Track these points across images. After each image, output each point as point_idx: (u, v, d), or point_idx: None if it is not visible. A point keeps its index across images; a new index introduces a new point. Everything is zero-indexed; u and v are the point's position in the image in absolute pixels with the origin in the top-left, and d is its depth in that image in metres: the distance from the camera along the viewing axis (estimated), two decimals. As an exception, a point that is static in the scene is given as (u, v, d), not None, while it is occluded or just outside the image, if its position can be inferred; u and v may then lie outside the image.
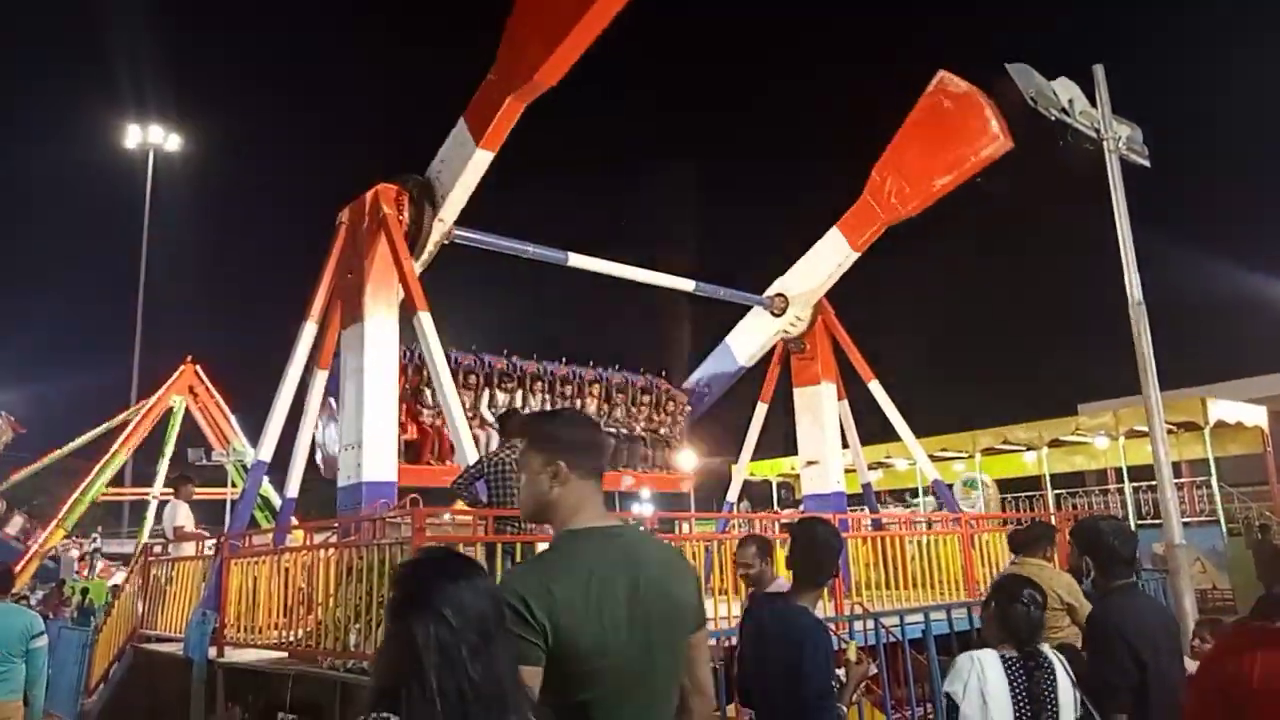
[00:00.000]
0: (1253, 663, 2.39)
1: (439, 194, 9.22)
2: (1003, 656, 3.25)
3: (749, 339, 13.45)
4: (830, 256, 12.66)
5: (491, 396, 11.10)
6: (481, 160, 8.91)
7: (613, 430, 11.70)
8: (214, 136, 51.14)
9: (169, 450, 22.87)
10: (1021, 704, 3.15)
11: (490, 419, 10.63)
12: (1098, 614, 3.63)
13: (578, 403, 11.80)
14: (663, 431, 12.71)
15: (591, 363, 12.49)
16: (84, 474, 21.62)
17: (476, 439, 9.04)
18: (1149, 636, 3.47)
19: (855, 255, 12.42)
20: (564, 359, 12.18)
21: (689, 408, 13.30)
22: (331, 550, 7.46)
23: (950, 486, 13.09)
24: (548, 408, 11.24)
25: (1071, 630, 5.14)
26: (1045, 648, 3.35)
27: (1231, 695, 2.38)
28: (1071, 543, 3.89)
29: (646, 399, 12.61)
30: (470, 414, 10.35)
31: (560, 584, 2.04)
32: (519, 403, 11.19)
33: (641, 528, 4.33)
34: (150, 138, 33.82)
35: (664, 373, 13.23)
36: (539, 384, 11.58)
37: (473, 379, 10.91)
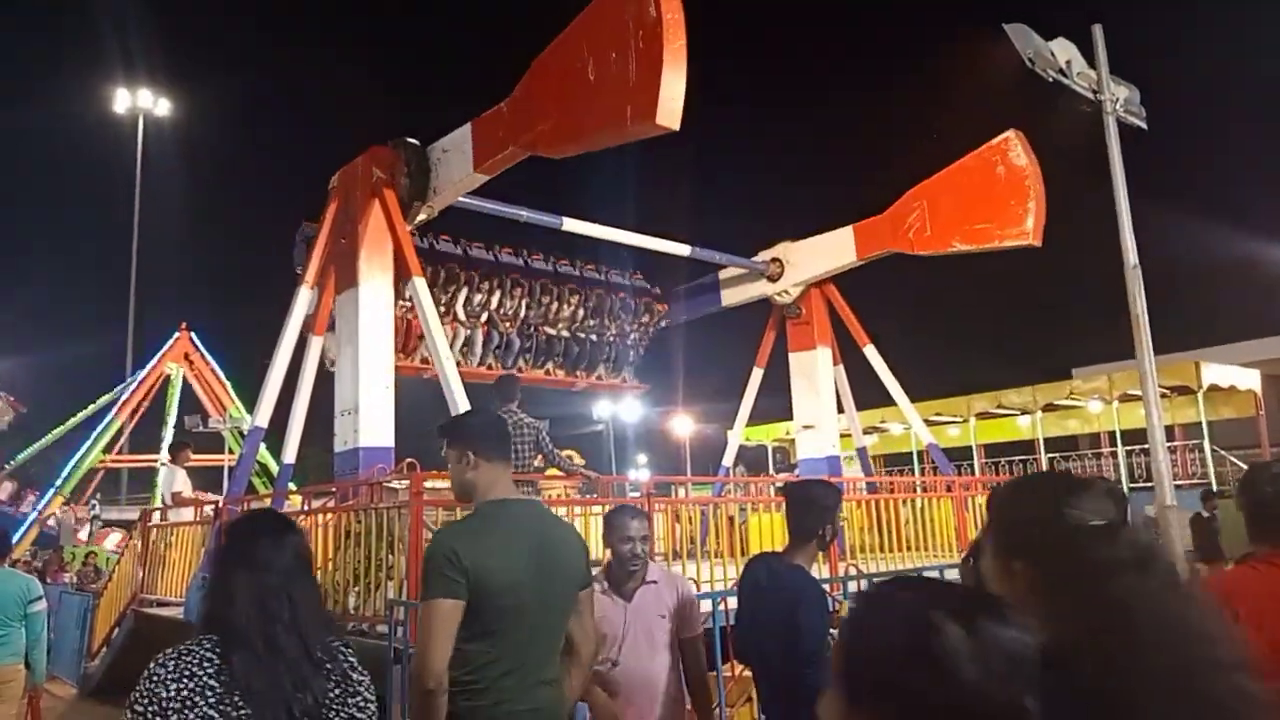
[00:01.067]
0: (1240, 587, 2.45)
1: (431, 188, 9.11)
2: None
3: (738, 287, 13.60)
4: (835, 253, 12.67)
5: (468, 295, 11.17)
6: (476, 180, 8.88)
7: (582, 335, 12.12)
8: (204, 101, 50.57)
9: (171, 418, 22.87)
10: None
11: (463, 318, 10.86)
12: None
13: (555, 306, 12.00)
14: (631, 339, 12.93)
15: (579, 263, 12.52)
16: (80, 441, 21.69)
17: (450, 336, 9.13)
18: None
19: (857, 262, 12.38)
20: (548, 256, 12.21)
21: (663, 322, 13.56)
22: (329, 515, 7.50)
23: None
24: (523, 311, 11.64)
25: None
26: None
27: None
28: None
29: (624, 314, 12.77)
30: (444, 311, 10.51)
31: (480, 539, 2.68)
32: (494, 303, 11.37)
33: (542, 501, 4.78)
34: (139, 102, 33.43)
35: (654, 288, 13.40)
36: (518, 289, 11.68)
37: (454, 269, 10.98)
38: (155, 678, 2.01)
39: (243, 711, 1.96)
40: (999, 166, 10.67)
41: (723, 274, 13.72)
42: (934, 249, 11.45)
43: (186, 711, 1.93)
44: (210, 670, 1.99)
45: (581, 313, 12.35)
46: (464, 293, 11.16)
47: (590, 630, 2.94)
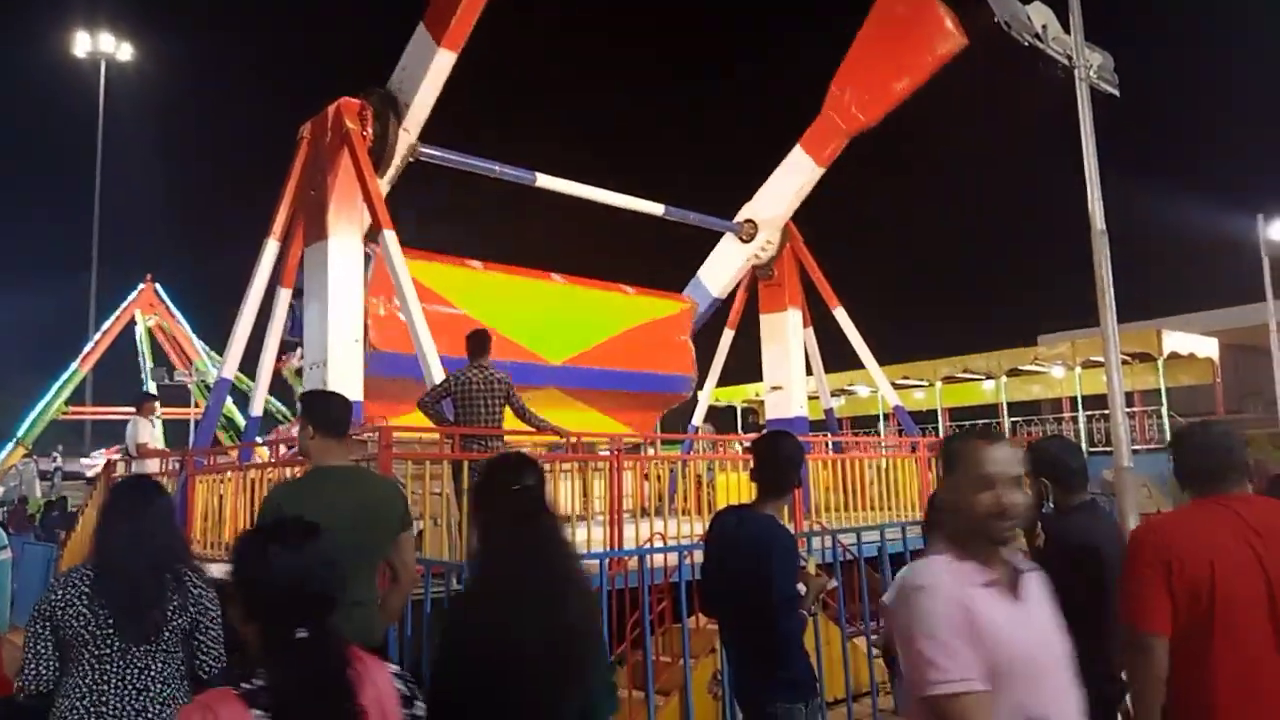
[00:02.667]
0: (1169, 532, 2.78)
1: (402, 104, 9.03)
2: None
3: (721, 270, 13.39)
4: (795, 176, 12.71)
5: None
6: (444, 62, 8.76)
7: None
8: (169, 46, 49.23)
9: (148, 366, 22.50)
10: None
11: None
12: (1056, 532, 3.70)
13: None
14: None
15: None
16: (42, 392, 21.34)
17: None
18: (1106, 556, 3.60)
19: (820, 171, 12.50)
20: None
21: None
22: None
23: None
24: None
25: None
26: None
27: (1159, 553, 2.69)
28: (1026, 470, 3.99)
29: None
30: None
31: (300, 496, 3.42)
32: None
33: (367, 467, 5.37)
34: (100, 46, 32.47)
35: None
36: None
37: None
38: (49, 588, 2.91)
39: (103, 611, 2.81)
40: (898, 7, 11.52)
41: (701, 271, 13.58)
42: (882, 107, 11.97)
43: (67, 608, 2.81)
44: (86, 585, 2.85)
45: None
46: None
47: (409, 564, 3.73)
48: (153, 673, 2.84)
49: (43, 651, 2.80)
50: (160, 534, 3.01)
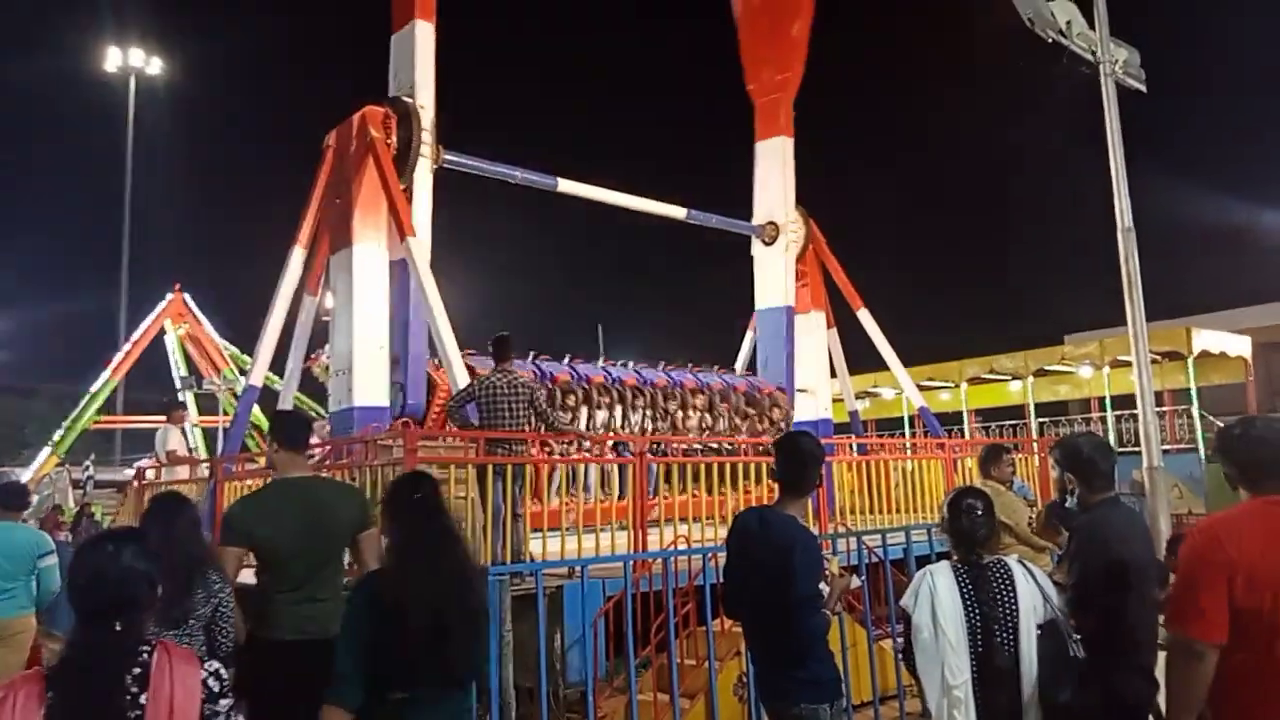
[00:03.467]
0: (1236, 535, 2.58)
1: (415, 108, 9.10)
2: (954, 565, 3.35)
3: (775, 282, 12.94)
4: (775, 163, 12.98)
5: (590, 415, 10.19)
6: (424, 32, 9.10)
7: (715, 446, 9.96)
8: (197, 60, 49.88)
9: (179, 376, 22.78)
10: (972, 610, 3.22)
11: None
12: (1082, 526, 3.69)
13: (679, 415, 10.93)
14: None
15: (690, 365, 11.98)
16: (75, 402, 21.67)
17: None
18: (1130, 549, 3.57)
19: (789, 140, 13.02)
20: (661, 363, 11.66)
21: (792, 413, 12.21)
22: (325, 473, 7.55)
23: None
24: (648, 424, 10.61)
25: (1018, 549, 5.42)
26: (1009, 557, 3.43)
27: (1218, 564, 2.55)
28: (1053, 462, 3.96)
29: (751, 410, 11.68)
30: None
31: (255, 508, 4.00)
32: (618, 420, 10.47)
33: (325, 476, 5.52)
34: (131, 61, 32.98)
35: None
36: (640, 399, 10.75)
37: (571, 399, 9.97)
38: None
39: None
40: None
41: (757, 300, 13.13)
42: (797, 55, 12.86)
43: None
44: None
45: (709, 416, 11.19)
46: (585, 411, 10.12)
47: (369, 562, 3.86)
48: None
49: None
50: (188, 540, 3.55)
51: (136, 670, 2.02)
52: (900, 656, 3.54)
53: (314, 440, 6.04)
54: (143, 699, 1.99)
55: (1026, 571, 3.35)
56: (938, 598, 3.24)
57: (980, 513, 3.39)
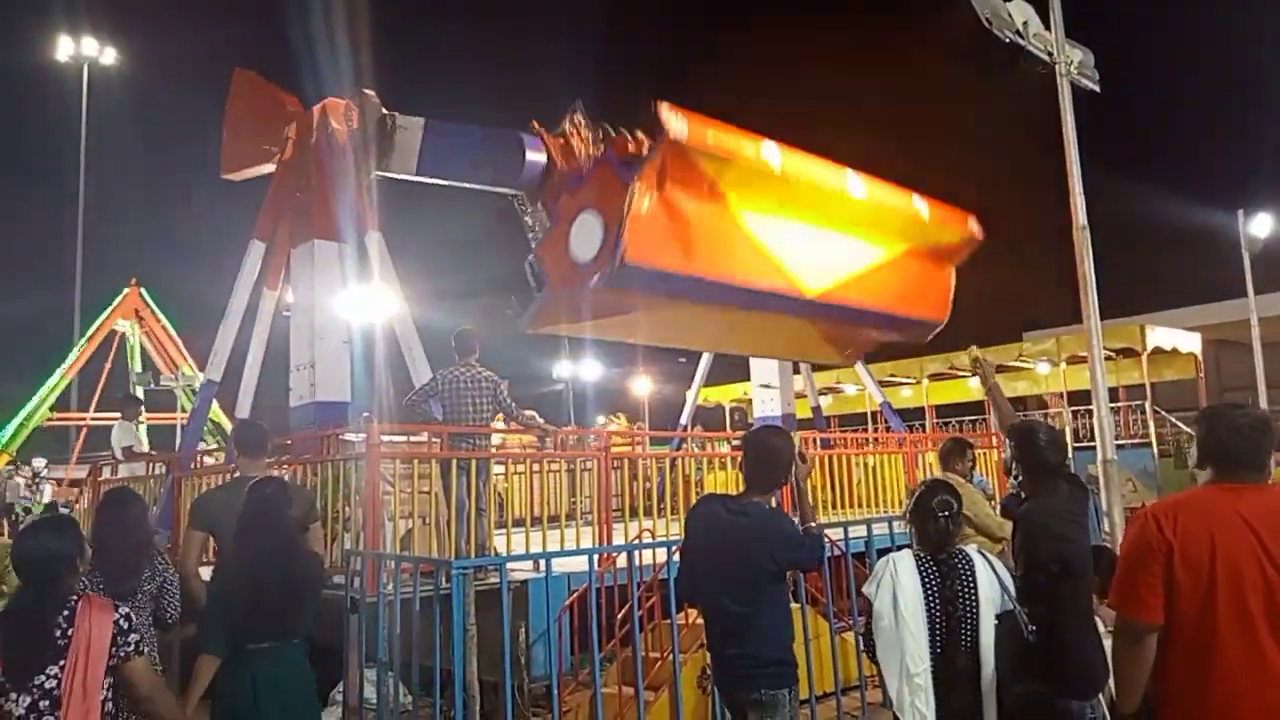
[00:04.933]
0: (1172, 517, 2.64)
1: (372, 95, 8.98)
2: (917, 555, 3.40)
3: None
4: None
5: None
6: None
7: None
8: (151, 49, 48.87)
9: (135, 373, 22.39)
10: (933, 600, 3.28)
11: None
12: (1024, 514, 3.77)
13: None
14: None
15: None
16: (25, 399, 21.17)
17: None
18: (1068, 535, 3.65)
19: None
20: None
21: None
22: (286, 467, 7.47)
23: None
24: None
25: (977, 539, 5.52)
26: (968, 547, 3.49)
27: (1155, 545, 2.61)
28: (1007, 440, 4.04)
29: None
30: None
31: (216, 500, 4.86)
32: None
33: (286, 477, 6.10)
34: (84, 50, 32.23)
35: None
36: None
37: None
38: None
39: (98, 578, 3.85)
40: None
41: None
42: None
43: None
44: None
45: None
46: None
47: (317, 549, 4.52)
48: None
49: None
50: (135, 528, 4.16)
51: (65, 613, 2.86)
52: (861, 644, 3.57)
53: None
54: (69, 632, 2.84)
55: (986, 562, 3.40)
56: (899, 585, 3.28)
57: (950, 513, 3.43)
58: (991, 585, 3.33)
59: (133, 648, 2.94)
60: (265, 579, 3.59)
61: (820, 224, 8.59)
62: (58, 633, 2.83)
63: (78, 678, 2.81)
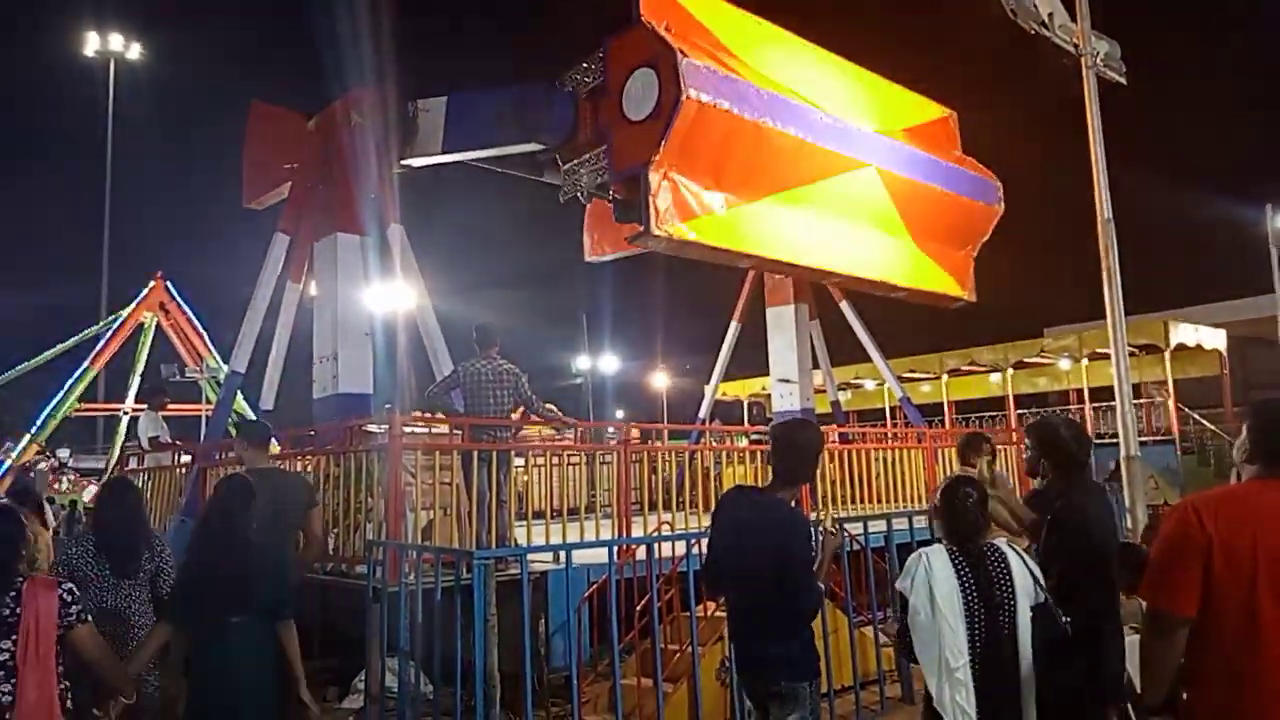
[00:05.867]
0: (1213, 511, 2.58)
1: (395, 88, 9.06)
2: (949, 550, 3.35)
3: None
4: None
5: None
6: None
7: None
8: (177, 44, 49.32)
9: (139, 367, 22.63)
10: (972, 594, 3.25)
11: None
12: (1058, 513, 3.73)
13: None
14: None
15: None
16: (55, 390, 21.40)
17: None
18: (1104, 534, 3.64)
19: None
20: None
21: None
22: (309, 459, 7.55)
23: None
24: None
25: (999, 533, 5.47)
26: (1000, 541, 3.46)
27: (1194, 538, 2.55)
28: (1028, 441, 4.00)
29: None
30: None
31: None
32: None
33: (282, 467, 6.75)
34: (110, 45, 32.55)
35: None
36: None
37: None
38: (65, 545, 4.64)
39: (103, 559, 4.30)
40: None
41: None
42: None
43: (80, 557, 4.30)
44: (90, 544, 4.41)
45: None
46: None
47: (315, 529, 5.47)
48: (132, 596, 4.33)
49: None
50: (134, 514, 4.58)
51: (13, 593, 3.15)
52: (896, 640, 3.52)
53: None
54: (18, 610, 3.13)
55: (1017, 554, 3.38)
56: (934, 579, 3.24)
57: (978, 500, 3.42)
58: (1025, 576, 3.30)
59: (75, 617, 3.26)
60: (228, 560, 3.94)
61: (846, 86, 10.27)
62: (6, 611, 3.11)
63: (30, 649, 3.10)
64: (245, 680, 3.83)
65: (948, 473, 10.33)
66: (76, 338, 22.32)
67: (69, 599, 3.26)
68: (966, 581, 3.26)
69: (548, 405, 8.96)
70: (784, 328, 13.14)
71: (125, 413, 21.90)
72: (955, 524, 3.39)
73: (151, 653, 3.96)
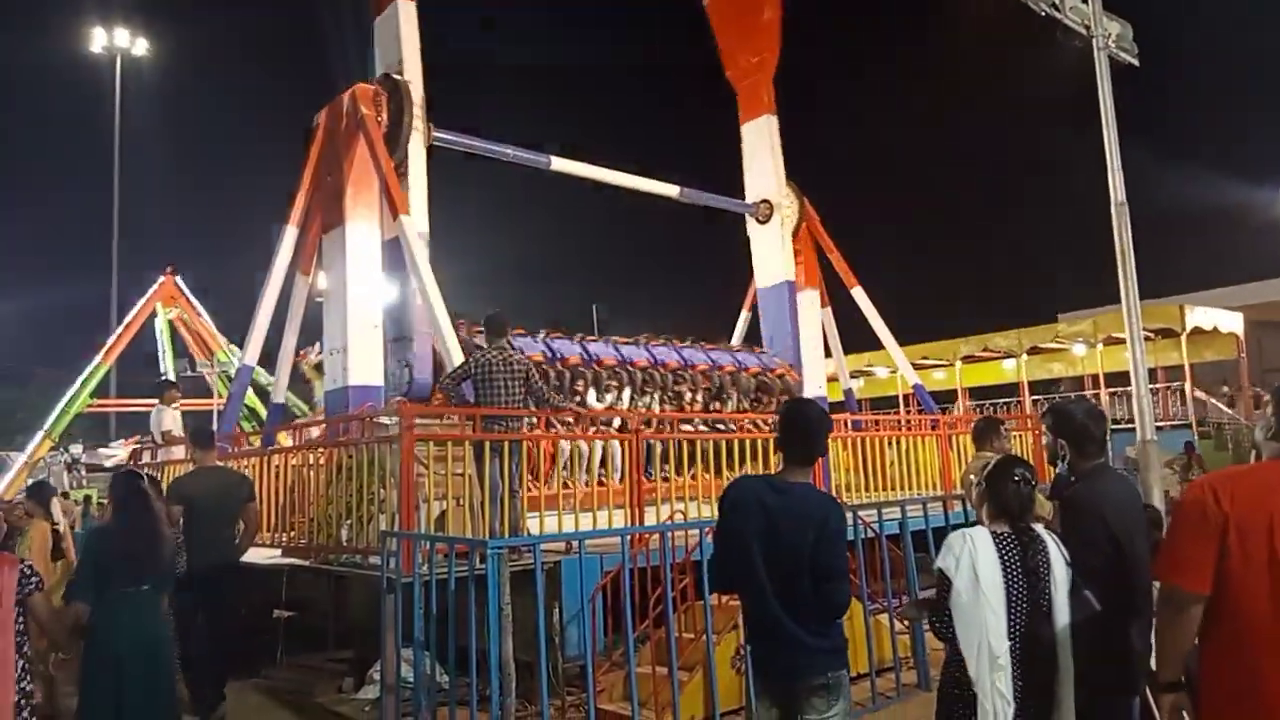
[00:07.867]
0: (1230, 489, 2.56)
1: (402, 80, 9.01)
2: (994, 532, 3.28)
3: (773, 259, 12.93)
4: (762, 142, 13.10)
5: (599, 398, 9.85)
6: (408, 12, 9.11)
7: (722, 426, 9.79)
8: (183, 39, 49.37)
9: (168, 360, 22.74)
10: (1014, 577, 3.18)
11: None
12: (1075, 495, 3.67)
13: (686, 395, 10.73)
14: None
15: (702, 343, 11.70)
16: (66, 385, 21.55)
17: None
18: (1124, 516, 3.58)
19: (774, 118, 13.15)
20: (673, 340, 11.39)
21: (802, 386, 12.27)
22: (321, 450, 7.55)
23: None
24: (654, 406, 10.32)
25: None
26: (1038, 526, 3.40)
27: (1210, 516, 2.53)
28: (1045, 426, 3.94)
29: (764, 395, 11.50)
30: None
31: (187, 483, 6.60)
32: (624, 403, 10.06)
33: (226, 466, 7.55)
34: (116, 41, 32.59)
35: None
36: (649, 384, 10.43)
37: (580, 384, 9.68)
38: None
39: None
40: None
41: (756, 279, 13.22)
42: (771, 36, 13.13)
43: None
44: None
45: (717, 405, 11.01)
46: (592, 394, 9.79)
47: (251, 520, 6.59)
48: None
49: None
50: (152, 509, 4.90)
51: None
52: (932, 618, 3.41)
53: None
54: None
55: (1053, 538, 3.33)
56: (979, 561, 3.17)
57: (1031, 482, 3.36)
58: (1061, 564, 3.26)
59: (33, 587, 3.85)
60: (133, 540, 4.67)
61: None
62: None
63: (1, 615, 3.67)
64: (151, 632, 4.66)
65: (963, 460, 10.28)
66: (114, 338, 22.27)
67: (28, 572, 3.88)
68: (1011, 564, 3.20)
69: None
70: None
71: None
72: (1007, 503, 3.32)
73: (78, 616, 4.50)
